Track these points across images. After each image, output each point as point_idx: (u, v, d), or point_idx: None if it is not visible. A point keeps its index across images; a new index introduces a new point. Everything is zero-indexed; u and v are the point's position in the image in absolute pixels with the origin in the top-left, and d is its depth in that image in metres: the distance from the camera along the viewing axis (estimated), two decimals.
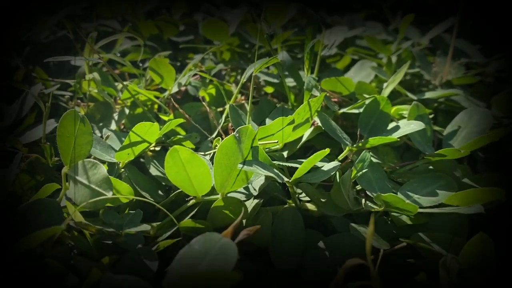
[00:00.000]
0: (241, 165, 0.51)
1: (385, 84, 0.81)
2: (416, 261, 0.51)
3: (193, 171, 0.50)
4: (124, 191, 0.52)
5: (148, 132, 0.59)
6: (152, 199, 0.54)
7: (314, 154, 0.53)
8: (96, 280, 0.48)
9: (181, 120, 0.64)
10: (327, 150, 0.54)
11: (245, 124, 0.66)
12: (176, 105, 0.67)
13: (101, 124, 0.73)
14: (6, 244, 0.48)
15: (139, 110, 0.75)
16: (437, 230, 0.54)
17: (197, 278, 0.33)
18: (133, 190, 0.54)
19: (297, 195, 0.62)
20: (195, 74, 0.76)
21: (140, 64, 0.85)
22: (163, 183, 0.64)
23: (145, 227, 0.50)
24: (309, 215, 0.62)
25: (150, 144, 0.61)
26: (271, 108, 0.74)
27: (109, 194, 0.49)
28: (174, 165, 0.50)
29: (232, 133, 0.54)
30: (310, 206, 0.63)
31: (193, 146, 0.66)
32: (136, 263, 0.48)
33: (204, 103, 0.69)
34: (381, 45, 0.84)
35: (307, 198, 0.65)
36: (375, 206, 0.57)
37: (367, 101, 0.69)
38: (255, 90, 0.81)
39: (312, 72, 0.74)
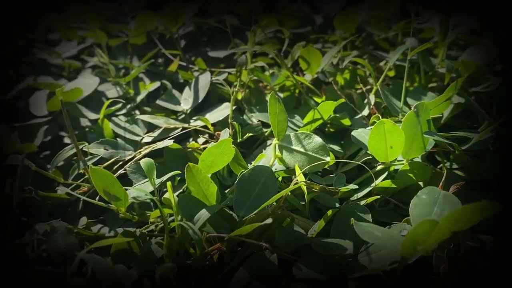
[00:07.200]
0: (427, 135, 0.62)
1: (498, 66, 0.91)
2: None
3: (391, 140, 0.60)
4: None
5: (327, 110, 0.69)
6: (356, 162, 0.65)
7: (489, 127, 0.63)
8: (320, 230, 0.58)
9: (343, 100, 0.74)
10: (497, 123, 0.64)
11: (394, 103, 0.77)
12: (335, 87, 0.77)
13: (257, 107, 0.83)
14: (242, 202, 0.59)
15: (285, 94, 0.85)
16: None
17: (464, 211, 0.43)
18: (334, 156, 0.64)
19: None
20: (335, 60, 0.86)
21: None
22: None
23: (352, 186, 0.61)
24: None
25: (324, 120, 0.71)
26: (401, 89, 0.84)
27: (327, 159, 0.59)
28: (377, 135, 0.60)
29: (412, 109, 0.63)
30: (458, 172, 0.73)
31: (350, 123, 0.76)
32: (351, 215, 0.58)
33: (360, 85, 0.79)
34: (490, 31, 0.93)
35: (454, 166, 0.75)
36: None
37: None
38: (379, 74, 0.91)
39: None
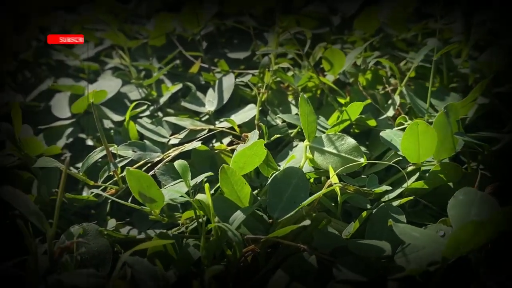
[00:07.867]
0: (457, 136, 0.62)
1: None
2: None
3: (423, 141, 0.61)
4: None
5: (355, 111, 0.69)
6: (387, 162, 0.65)
7: None
8: (354, 231, 0.58)
9: (369, 101, 0.74)
10: None
11: (419, 103, 0.77)
12: (361, 88, 0.77)
13: (280, 108, 0.83)
14: (275, 203, 0.59)
15: (307, 95, 0.85)
16: None
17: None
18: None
19: None
20: (359, 61, 0.86)
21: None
22: None
23: (385, 187, 0.61)
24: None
25: (351, 121, 0.71)
26: (423, 90, 0.84)
27: (361, 160, 0.60)
28: (410, 136, 0.60)
29: (442, 110, 0.64)
30: (484, 172, 0.73)
31: (375, 123, 0.76)
32: (386, 217, 0.58)
33: (385, 85, 0.79)
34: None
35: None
36: None
37: None
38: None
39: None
